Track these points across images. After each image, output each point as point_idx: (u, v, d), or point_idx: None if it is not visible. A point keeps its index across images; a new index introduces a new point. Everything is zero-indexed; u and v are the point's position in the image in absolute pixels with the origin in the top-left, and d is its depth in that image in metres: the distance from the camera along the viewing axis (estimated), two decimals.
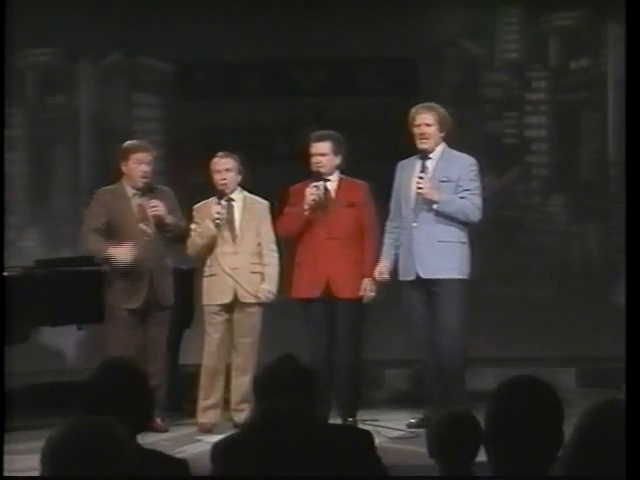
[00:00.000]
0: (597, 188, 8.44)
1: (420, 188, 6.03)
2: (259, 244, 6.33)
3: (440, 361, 6.03)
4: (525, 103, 8.56)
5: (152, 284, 6.21)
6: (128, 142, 6.41)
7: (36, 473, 2.31)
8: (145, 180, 6.23)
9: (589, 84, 8.44)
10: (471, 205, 6.11)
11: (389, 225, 6.26)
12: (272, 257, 6.33)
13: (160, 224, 6.23)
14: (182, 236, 6.35)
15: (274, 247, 6.36)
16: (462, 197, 6.12)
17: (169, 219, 6.25)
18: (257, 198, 6.42)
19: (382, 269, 6.18)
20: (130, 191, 6.28)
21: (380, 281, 6.19)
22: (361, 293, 6.16)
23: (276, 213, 6.40)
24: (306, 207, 6.15)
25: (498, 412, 2.59)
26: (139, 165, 6.22)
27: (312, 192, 6.15)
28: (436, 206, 6.04)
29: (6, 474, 4.46)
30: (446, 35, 8.50)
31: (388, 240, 6.24)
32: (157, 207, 6.20)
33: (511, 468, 2.56)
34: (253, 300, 6.28)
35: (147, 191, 6.25)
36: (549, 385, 2.66)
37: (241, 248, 6.30)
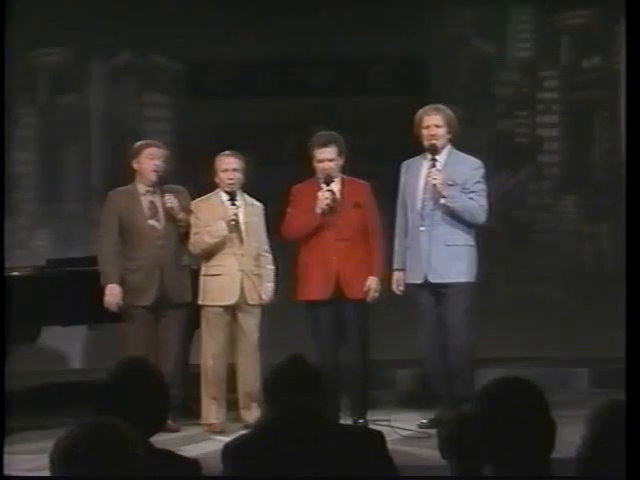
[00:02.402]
0: (609, 187, 8.41)
1: (435, 179, 6.01)
2: (257, 246, 6.35)
3: (449, 362, 6.04)
4: (537, 102, 8.54)
5: (163, 281, 6.22)
6: (140, 141, 6.46)
7: (45, 473, 2.30)
8: (157, 174, 6.25)
9: (601, 83, 8.41)
10: (478, 206, 6.11)
11: (398, 229, 6.23)
12: (267, 258, 6.37)
13: (172, 219, 6.24)
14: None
15: (269, 249, 6.39)
16: (470, 198, 6.11)
17: (181, 215, 6.27)
18: (254, 200, 6.43)
19: (398, 280, 6.17)
20: (142, 189, 6.30)
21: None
22: (365, 290, 6.13)
23: (280, 214, 6.38)
24: (319, 211, 6.12)
25: (483, 414, 2.59)
26: (151, 160, 6.25)
27: (326, 197, 6.12)
28: (443, 200, 6.02)
29: (19, 474, 4.47)
30: (457, 34, 8.47)
31: (398, 245, 6.22)
32: (170, 200, 6.22)
33: (498, 469, 2.56)
34: (257, 301, 6.28)
35: (160, 189, 6.26)
36: (534, 385, 2.64)
37: (248, 250, 6.30)
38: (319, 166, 6.19)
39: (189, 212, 6.35)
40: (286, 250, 6.44)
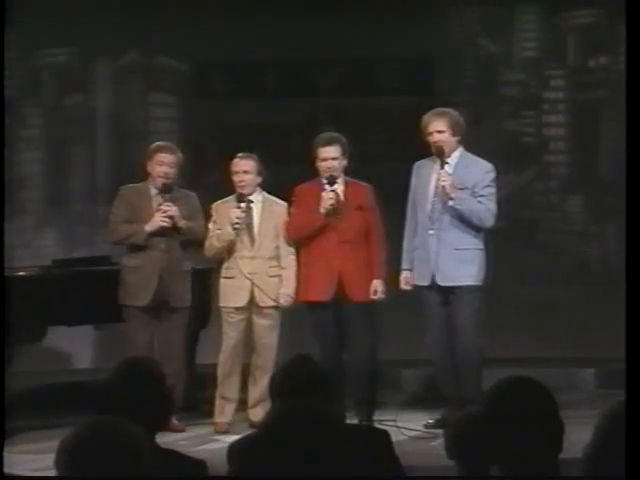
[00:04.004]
0: (616, 187, 8.39)
1: (444, 181, 6.00)
2: (277, 247, 6.32)
3: (457, 363, 6.03)
4: (543, 102, 8.52)
5: (162, 283, 6.21)
6: (156, 143, 6.47)
7: (50, 473, 2.30)
8: (164, 180, 6.26)
9: (608, 82, 8.39)
10: (486, 210, 6.08)
11: (407, 229, 6.23)
12: (290, 260, 6.31)
13: (173, 226, 6.23)
14: (199, 240, 6.35)
15: (292, 249, 6.34)
16: (479, 202, 6.09)
17: (182, 223, 6.25)
18: (276, 200, 6.40)
19: (406, 278, 6.17)
20: (153, 191, 6.33)
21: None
22: (372, 296, 6.15)
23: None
24: (323, 211, 6.12)
25: (490, 414, 2.58)
26: (161, 166, 6.28)
27: (330, 197, 6.12)
28: (451, 202, 6.01)
29: (25, 474, 4.47)
30: (463, 34, 8.46)
31: (407, 245, 6.21)
32: (169, 209, 6.22)
33: (505, 469, 2.55)
34: (271, 303, 6.28)
35: (169, 193, 6.27)
36: (541, 385, 2.64)
37: (259, 252, 6.29)
38: (322, 165, 6.18)
39: (198, 219, 6.33)
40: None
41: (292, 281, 6.27)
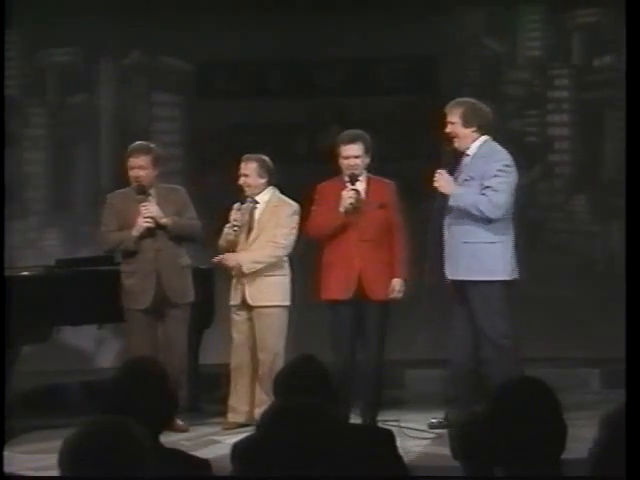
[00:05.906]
0: (620, 187, 8.37)
1: (436, 181, 5.97)
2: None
3: (481, 360, 5.94)
4: (547, 101, 8.51)
5: (161, 284, 6.20)
6: (130, 146, 6.36)
7: (52, 473, 2.30)
8: (137, 183, 6.23)
9: (612, 81, 8.37)
10: (487, 201, 5.95)
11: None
12: (276, 250, 6.25)
13: (157, 225, 6.20)
14: (192, 235, 6.33)
15: (285, 249, 6.29)
16: (482, 193, 6.00)
17: (164, 220, 6.20)
18: (286, 200, 6.38)
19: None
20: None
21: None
22: (389, 291, 6.11)
23: (303, 213, 6.34)
24: (342, 210, 6.08)
25: (494, 414, 2.58)
26: (131, 170, 6.24)
27: (350, 195, 6.08)
28: (451, 201, 5.97)
29: (29, 473, 4.47)
30: (467, 33, 8.45)
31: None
32: (147, 210, 6.18)
33: (510, 469, 2.55)
34: (264, 303, 6.26)
35: (143, 194, 6.22)
36: (544, 385, 2.63)
37: (251, 249, 6.28)
38: (344, 162, 6.14)
39: (187, 213, 6.30)
40: (297, 251, 6.42)
41: (259, 255, 6.21)
